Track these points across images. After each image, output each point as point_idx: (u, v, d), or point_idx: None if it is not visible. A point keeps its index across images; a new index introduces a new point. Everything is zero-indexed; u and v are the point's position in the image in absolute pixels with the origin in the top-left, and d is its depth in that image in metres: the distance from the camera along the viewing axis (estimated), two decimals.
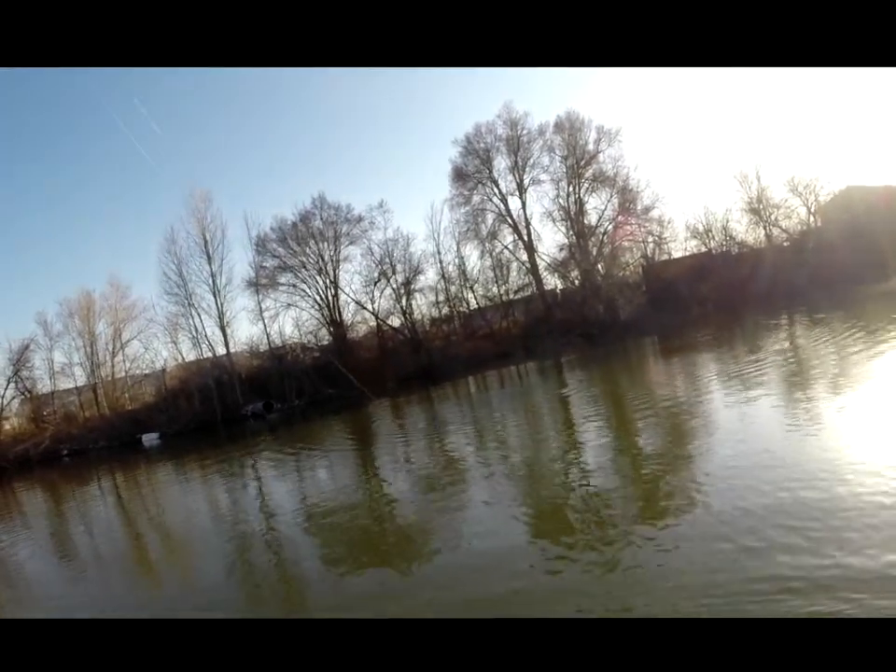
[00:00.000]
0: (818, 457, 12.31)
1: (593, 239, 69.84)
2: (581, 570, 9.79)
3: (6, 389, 63.63)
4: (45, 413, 65.28)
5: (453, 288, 71.63)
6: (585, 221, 70.36)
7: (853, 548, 8.23)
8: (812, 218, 67.78)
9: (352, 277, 70.12)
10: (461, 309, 72.71)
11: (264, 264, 66.25)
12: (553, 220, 71.00)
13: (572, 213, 70.06)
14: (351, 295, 68.38)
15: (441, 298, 70.94)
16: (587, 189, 70.27)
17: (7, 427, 64.08)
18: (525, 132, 69.85)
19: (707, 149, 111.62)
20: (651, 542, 10.09)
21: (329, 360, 58.04)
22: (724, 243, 70.80)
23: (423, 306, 70.99)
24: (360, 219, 67.76)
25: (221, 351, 63.48)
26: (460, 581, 10.47)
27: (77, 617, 12.40)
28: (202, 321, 63.43)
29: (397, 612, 9.79)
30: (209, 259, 62.91)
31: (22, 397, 66.10)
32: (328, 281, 66.86)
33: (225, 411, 57.00)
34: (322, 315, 66.77)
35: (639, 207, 68.58)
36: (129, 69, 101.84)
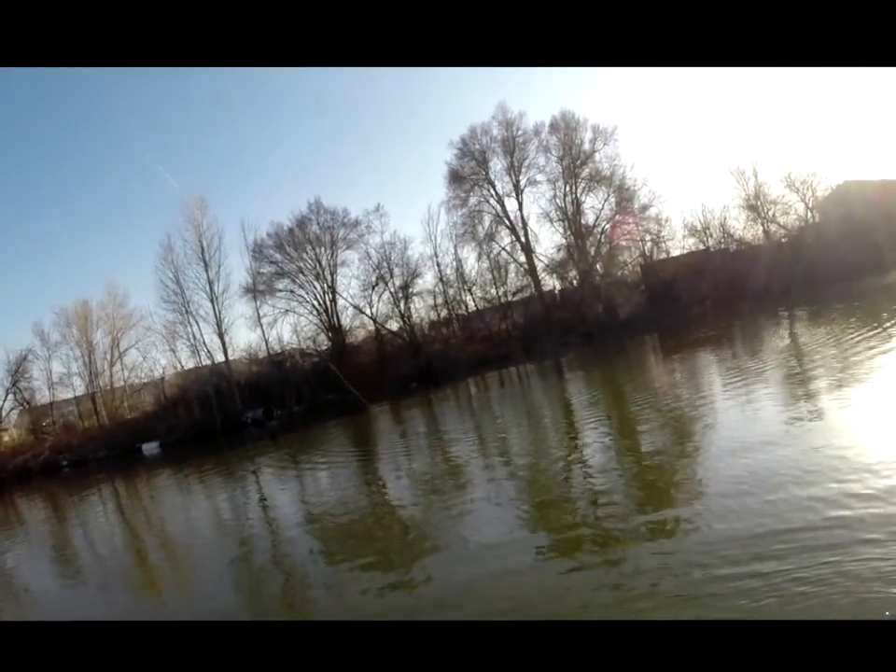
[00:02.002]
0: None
1: (591, 239, 69.86)
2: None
3: (4, 401, 63.67)
4: (44, 424, 65.17)
5: (451, 291, 71.53)
6: (583, 221, 70.40)
7: None
8: (810, 214, 67.65)
9: (350, 282, 70.17)
10: (460, 312, 72.69)
11: (261, 270, 66.46)
12: (551, 221, 71.05)
13: (569, 213, 70.04)
14: (349, 300, 68.63)
15: (440, 301, 70.90)
16: (584, 188, 70.30)
17: (7, 438, 63.94)
18: (520, 132, 69.82)
19: (704, 146, 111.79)
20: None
21: (328, 366, 57.82)
22: (722, 240, 70.62)
23: (421, 310, 71.00)
24: (357, 223, 68.01)
25: (220, 358, 63.34)
26: (462, 586, 10.35)
27: (78, 620, 12.25)
28: (200, 329, 63.29)
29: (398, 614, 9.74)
30: (206, 266, 62.68)
31: (21, 408, 66.00)
32: (325, 286, 67.05)
33: (225, 418, 56.79)
34: (320, 320, 66.92)
35: (637, 206, 68.63)
36: (122, 76, 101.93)
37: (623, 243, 70.03)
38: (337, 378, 55.79)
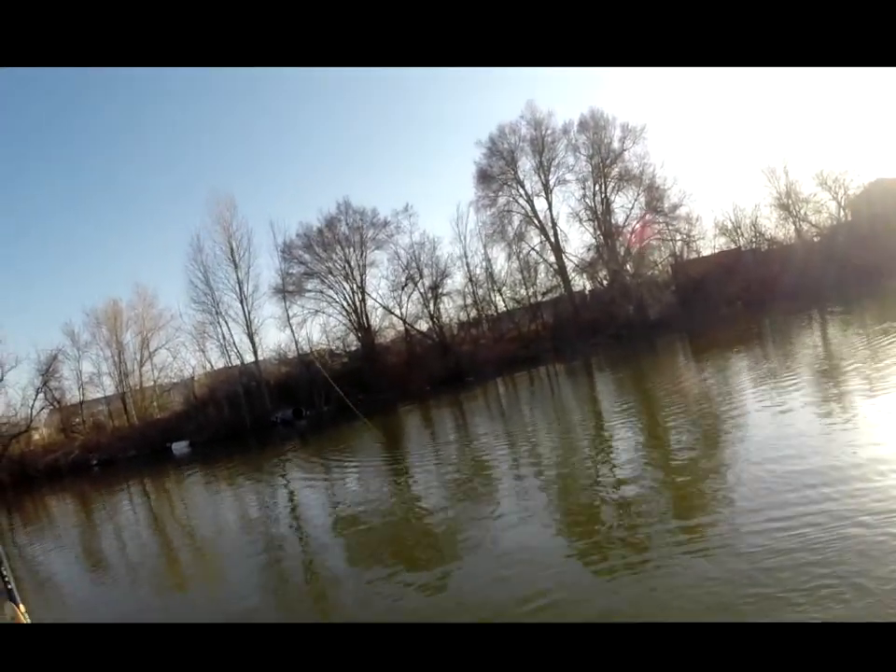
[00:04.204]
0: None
1: (620, 238, 69.39)
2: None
3: (35, 400, 63.80)
4: (74, 423, 65.65)
5: (480, 291, 71.49)
6: (612, 220, 70.04)
7: None
8: (842, 212, 66.73)
9: (379, 282, 70.43)
10: (489, 312, 72.58)
11: (291, 271, 66.42)
12: (580, 220, 70.90)
13: (599, 212, 69.82)
14: (378, 300, 68.48)
15: (469, 301, 70.95)
16: (613, 187, 70.10)
17: (37, 437, 64.33)
18: (549, 131, 69.77)
19: (735, 144, 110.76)
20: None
21: (358, 366, 57.90)
22: (753, 239, 70.04)
23: (451, 310, 71.01)
24: (386, 224, 67.82)
25: (249, 358, 63.48)
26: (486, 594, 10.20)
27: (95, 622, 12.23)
28: (229, 329, 63.37)
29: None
30: (235, 266, 62.88)
31: (51, 407, 66.28)
32: (354, 286, 66.87)
33: (254, 418, 56.96)
34: (349, 320, 66.81)
35: (667, 205, 68.34)
36: (148, 76, 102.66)
37: (654, 242, 69.73)
38: (369, 378, 56.09)
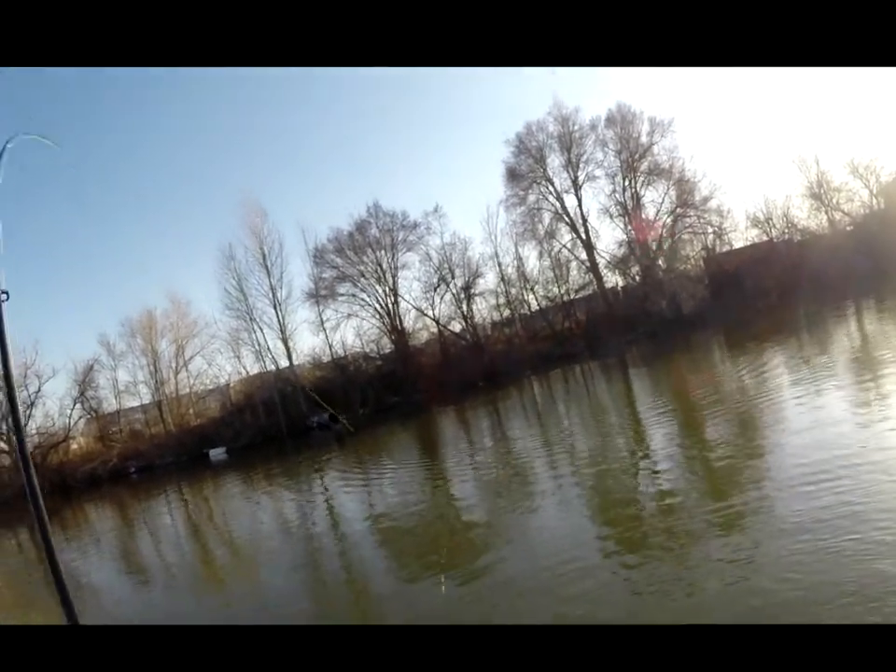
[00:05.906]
0: None
1: (652, 233, 69.01)
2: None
3: (72, 410, 64.52)
4: (111, 432, 66.22)
5: (513, 290, 71.27)
6: (643, 215, 69.55)
7: None
8: (875, 200, 65.97)
9: (411, 284, 70.17)
10: (522, 311, 72.34)
11: (323, 275, 66.66)
12: (611, 216, 70.35)
13: (629, 208, 69.41)
14: (411, 302, 68.57)
15: (502, 300, 70.83)
16: (643, 182, 69.60)
17: (75, 446, 64.94)
18: (576, 127, 69.16)
19: (764, 134, 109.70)
20: None
21: (393, 369, 58.11)
22: (786, 230, 69.43)
23: (483, 310, 71.02)
24: (416, 225, 67.85)
25: (284, 363, 63.98)
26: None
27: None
28: (264, 334, 63.84)
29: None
30: (268, 272, 63.42)
31: (89, 416, 66.95)
32: (387, 289, 67.01)
33: (290, 423, 57.22)
34: (383, 323, 66.86)
35: (697, 198, 67.65)
36: (174, 81, 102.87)
37: (685, 236, 69.32)
38: (401, 381, 56.22)
